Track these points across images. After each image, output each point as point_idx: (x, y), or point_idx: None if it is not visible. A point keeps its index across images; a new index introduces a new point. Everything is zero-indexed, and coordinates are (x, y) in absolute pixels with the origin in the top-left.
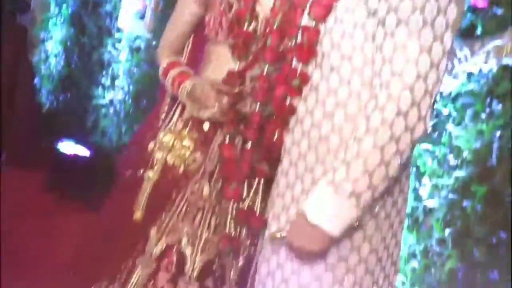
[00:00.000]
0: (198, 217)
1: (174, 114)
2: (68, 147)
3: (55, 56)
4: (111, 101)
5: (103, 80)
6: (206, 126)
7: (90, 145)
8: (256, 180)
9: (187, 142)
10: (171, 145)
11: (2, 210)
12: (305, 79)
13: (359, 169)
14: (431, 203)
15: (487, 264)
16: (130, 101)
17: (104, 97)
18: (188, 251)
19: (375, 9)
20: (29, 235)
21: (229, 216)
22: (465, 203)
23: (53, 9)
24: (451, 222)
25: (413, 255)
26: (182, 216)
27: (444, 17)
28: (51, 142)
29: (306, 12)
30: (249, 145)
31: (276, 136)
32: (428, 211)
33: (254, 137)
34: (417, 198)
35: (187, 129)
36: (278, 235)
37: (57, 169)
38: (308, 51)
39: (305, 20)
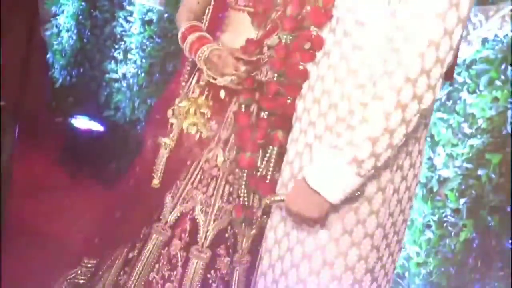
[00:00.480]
0: (211, 186)
1: (192, 80)
2: (81, 122)
3: (67, 30)
4: (124, 75)
5: (115, 54)
6: (222, 93)
7: (103, 120)
8: (271, 148)
9: (203, 109)
10: (187, 111)
11: (16, 185)
12: (318, 43)
13: (362, 135)
14: (446, 173)
15: (502, 233)
16: (143, 74)
17: (116, 71)
18: (201, 219)
19: None
20: (43, 209)
21: (243, 185)
22: (480, 171)
23: None
24: (466, 192)
25: (427, 226)
26: (196, 184)
27: (457, 11)
28: (65, 117)
29: None
30: (264, 114)
31: (289, 103)
32: (443, 181)
33: (270, 106)
34: (431, 167)
35: (204, 96)
36: (276, 198)
37: (70, 144)
38: (324, 15)
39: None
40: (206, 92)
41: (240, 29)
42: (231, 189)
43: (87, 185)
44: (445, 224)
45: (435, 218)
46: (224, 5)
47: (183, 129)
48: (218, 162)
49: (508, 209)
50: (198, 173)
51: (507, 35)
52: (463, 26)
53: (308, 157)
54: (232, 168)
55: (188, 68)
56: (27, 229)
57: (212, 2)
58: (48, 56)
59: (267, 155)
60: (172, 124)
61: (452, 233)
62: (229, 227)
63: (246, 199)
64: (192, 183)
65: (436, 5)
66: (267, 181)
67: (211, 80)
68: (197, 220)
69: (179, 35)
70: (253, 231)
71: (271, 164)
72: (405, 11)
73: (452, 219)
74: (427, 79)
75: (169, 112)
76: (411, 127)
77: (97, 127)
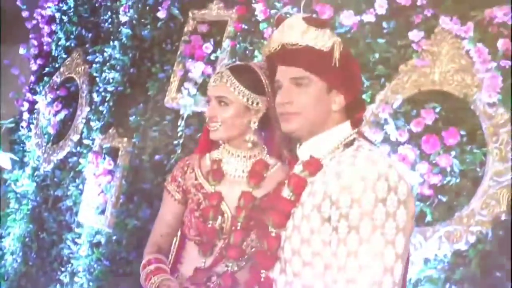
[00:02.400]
0: None
1: None
2: None
3: (12, 253)
4: None
5: (61, 277)
6: None
7: None
8: None
9: None
10: None
11: None
12: (269, 286)
13: None
14: None
15: None
16: None
17: None
18: None
19: (328, 216)
20: None
21: None
22: None
23: (13, 205)
24: None
25: None
26: None
27: (394, 221)
28: None
29: (269, 220)
30: None
31: None
32: None
33: None
34: None
35: None
36: None
37: None
38: (270, 258)
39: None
40: None
41: (193, 258)
42: None
43: None
44: None
45: None
46: (183, 237)
47: None
48: None
49: None
50: None
51: (446, 255)
52: (402, 260)
53: None
54: None
55: None
56: None
57: (179, 234)
58: None
59: None
60: None
61: None
62: None
63: None
64: None
65: (372, 244)
66: None
67: None
68: None
69: (141, 266)
70: None
71: None
72: (344, 252)
73: None
74: None
75: None
76: None
77: None
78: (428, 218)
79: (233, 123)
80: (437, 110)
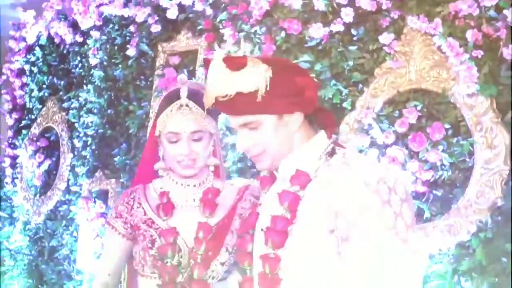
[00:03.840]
0: None
1: None
2: None
3: None
4: None
5: None
6: None
7: None
8: None
9: None
10: None
11: None
12: None
13: None
14: None
15: None
16: None
17: None
18: None
19: (333, 227)
20: None
21: None
22: None
23: (8, 262)
24: None
25: None
26: None
27: (403, 219)
28: None
29: (260, 241)
30: None
31: None
32: None
33: None
34: None
35: None
36: None
37: None
38: (273, 280)
39: (261, 249)
40: None
41: None
42: None
43: None
44: None
45: None
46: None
47: None
48: None
49: None
50: None
51: (450, 248)
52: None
53: None
54: None
55: None
56: None
57: (126, 276)
58: None
59: None
60: None
61: None
62: None
63: None
64: None
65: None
66: None
67: None
68: None
69: None
70: None
71: None
72: (357, 259)
73: None
74: None
75: None
76: None
77: None
78: (426, 214)
79: (204, 155)
80: (419, 107)
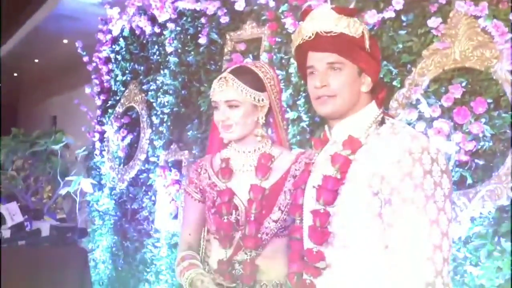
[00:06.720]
0: None
1: None
2: None
3: (103, 262)
4: None
5: (148, 277)
6: None
7: None
8: None
9: None
10: None
11: None
12: (320, 259)
13: None
14: None
15: None
16: None
17: None
18: None
19: (377, 190)
20: None
21: None
22: None
23: (98, 221)
24: None
25: None
26: None
27: (442, 189)
28: None
29: (311, 196)
30: None
31: None
32: None
33: None
34: None
35: None
36: None
37: None
38: (322, 233)
39: (312, 204)
40: None
41: (217, 251)
42: None
43: None
44: None
45: None
46: (208, 232)
47: None
48: None
49: None
50: None
51: (490, 212)
52: (451, 224)
53: None
54: None
55: None
56: None
57: (204, 234)
58: None
59: None
60: None
61: None
62: None
63: None
64: None
65: (429, 213)
66: None
67: None
68: None
69: (175, 264)
70: None
71: None
72: (400, 223)
73: None
74: (441, 279)
75: None
76: None
77: None
78: (469, 181)
79: (245, 122)
80: (463, 84)
